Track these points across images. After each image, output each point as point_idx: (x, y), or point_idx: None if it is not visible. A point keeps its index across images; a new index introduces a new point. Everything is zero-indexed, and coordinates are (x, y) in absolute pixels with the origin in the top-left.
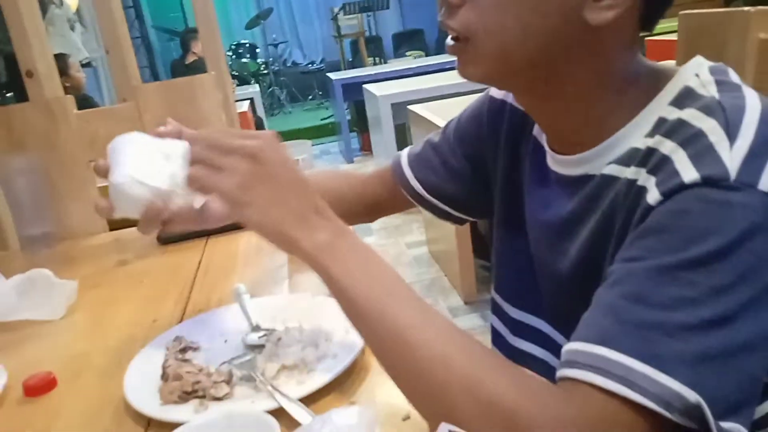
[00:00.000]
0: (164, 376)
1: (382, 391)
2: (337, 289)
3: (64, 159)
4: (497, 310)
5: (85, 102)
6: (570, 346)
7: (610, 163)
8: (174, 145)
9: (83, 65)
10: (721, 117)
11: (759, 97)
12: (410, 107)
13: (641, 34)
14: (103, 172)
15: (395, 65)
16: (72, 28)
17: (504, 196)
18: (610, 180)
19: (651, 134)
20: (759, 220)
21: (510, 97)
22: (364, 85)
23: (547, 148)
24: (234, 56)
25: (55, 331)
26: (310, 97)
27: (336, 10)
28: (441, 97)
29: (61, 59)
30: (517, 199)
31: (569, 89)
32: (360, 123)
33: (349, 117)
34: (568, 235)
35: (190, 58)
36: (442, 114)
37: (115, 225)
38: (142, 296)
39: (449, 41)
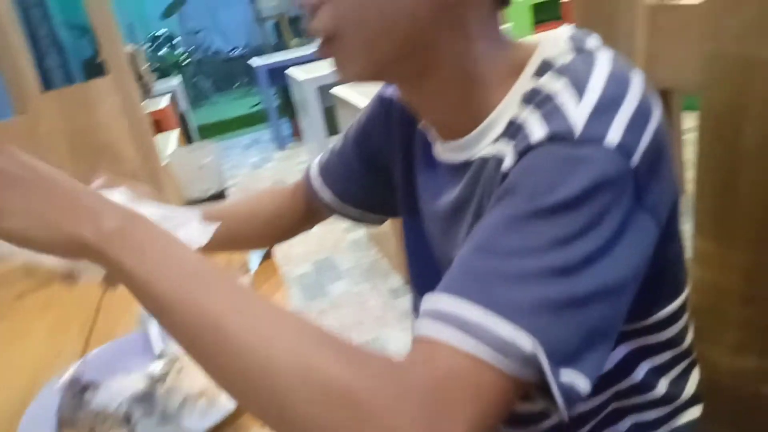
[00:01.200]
0: (59, 424)
1: None
2: (135, 284)
3: None
4: (416, 306)
5: None
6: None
7: (489, 144)
8: None
9: None
10: (569, 78)
11: (612, 59)
12: (334, 91)
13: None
14: None
15: None
16: None
17: (403, 192)
18: (486, 160)
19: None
20: (605, 175)
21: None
22: (288, 71)
23: (433, 138)
24: (152, 48)
25: None
26: (237, 84)
27: None
28: None
29: None
30: (414, 194)
31: (441, 72)
32: (289, 108)
33: (278, 102)
34: (455, 222)
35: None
36: (369, 95)
37: None
38: (45, 328)
39: (317, 47)
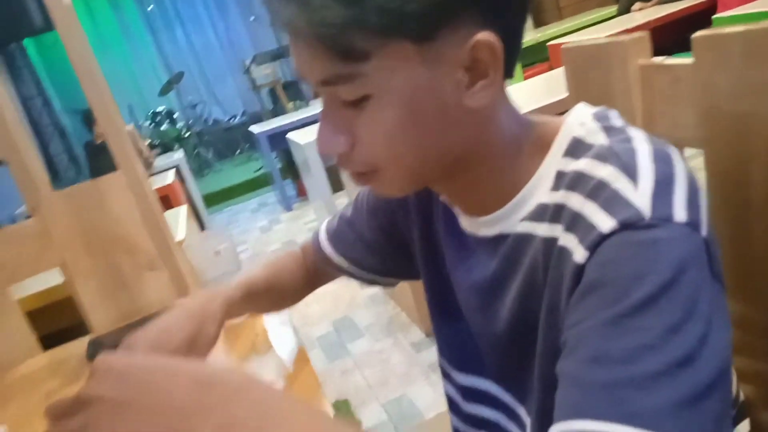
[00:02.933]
0: None
1: None
2: None
3: None
4: (446, 376)
5: None
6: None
7: (523, 220)
8: None
9: None
10: (617, 162)
11: (644, 137)
12: None
13: None
14: None
15: (317, 106)
16: None
17: (426, 262)
18: (526, 238)
19: (555, 188)
20: (686, 251)
21: None
22: (288, 135)
23: (458, 211)
24: (153, 125)
25: None
26: (238, 151)
27: (248, 62)
28: None
29: None
30: (438, 264)
31: (476, 167)
32: (292, 169)
33: (280, 165)
34: (495, 297)
35: (99, 138)
36: None
37: (49, 342)
38: None
39: (354, 178)
